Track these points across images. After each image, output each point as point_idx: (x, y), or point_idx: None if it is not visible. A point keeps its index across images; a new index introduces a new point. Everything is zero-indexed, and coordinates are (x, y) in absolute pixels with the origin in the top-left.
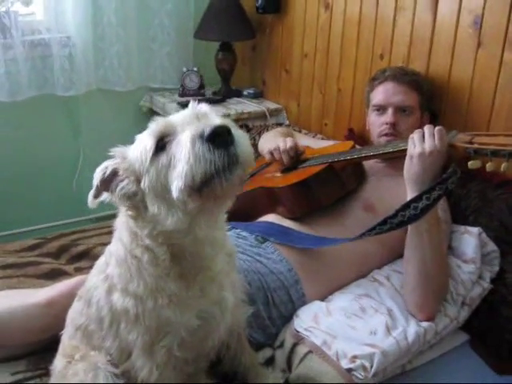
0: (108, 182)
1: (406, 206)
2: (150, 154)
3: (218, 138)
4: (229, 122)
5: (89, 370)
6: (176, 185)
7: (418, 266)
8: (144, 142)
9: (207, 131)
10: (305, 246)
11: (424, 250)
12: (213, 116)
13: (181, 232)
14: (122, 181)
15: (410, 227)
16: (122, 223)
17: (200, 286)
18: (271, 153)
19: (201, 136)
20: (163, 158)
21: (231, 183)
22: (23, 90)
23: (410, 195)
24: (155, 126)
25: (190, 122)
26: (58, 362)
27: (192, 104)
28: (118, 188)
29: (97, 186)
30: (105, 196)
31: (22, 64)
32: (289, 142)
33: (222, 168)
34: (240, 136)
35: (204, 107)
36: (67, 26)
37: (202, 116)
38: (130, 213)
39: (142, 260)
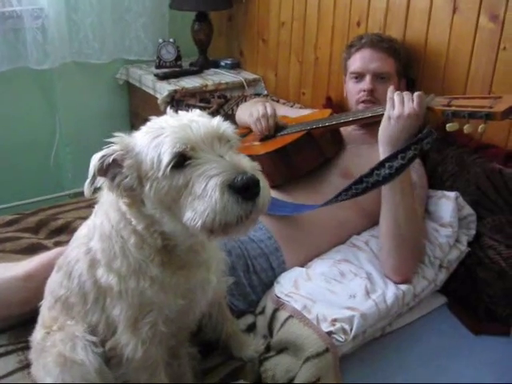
0: (105, 171)
1: (381, 164)
2: (167, 169)
3: (248, 191)
4: (255, 168)
5: (67, 340)
6: (192, 218)
7: (392, 228)
8: (161, 150)
9: (239, 182)
10: (284, 213)
11: (397, 212)
12: (239, 156)
13: (180, 236)
14: (122, 174)
15: (383, 190)
16: (111, 201)
17: (186, 272)
18: (258, 120)
19: (230, 186)
20: (180, 178)
21: (247, 228)
22: None
23: (382, 155)
24: (177, 140)
25: (211, 143)
26: (37, 334)
27: (215, 120)
28: (117, 179)
29: (93, 174)
30: (100, 181)
31: None
32: (269, 108)
33: (244, 217)
34: (264, 186)
35: (223, 125)
36: None
37: (222, 138)
38: (124, 200)
39: (128, 241)
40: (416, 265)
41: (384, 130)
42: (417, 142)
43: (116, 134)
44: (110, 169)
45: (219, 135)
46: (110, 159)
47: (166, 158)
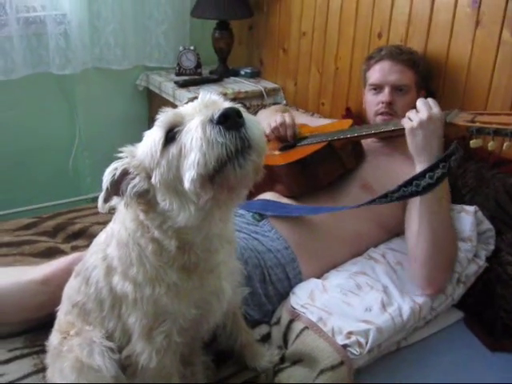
0: (118, 184)
1: (409, 182)
2: (160, 146)
3: (229, 120)
4: (239, 106)
5: (84, 346)
6: (188, 175)
7: (429, 238)
8: (153, 134)
9: (217, 114)
10: (300, 214)
11: (434, 222)
12: (222, 101)
13: (193, 228)
14: (132, 179)
15: (420, 201)
16: (128, 210)
17: (199, 277)
18: (276, 128)
19: (211, 120)
20: (173, 149)
21: (245, 170)
22: (18, 68)
23: (418, 168)
24: (164, 117)
25: (199, 110)
26: (54, 338)
27: (202, 94)
28: (130, 186)
29: (107, 188)
30: (115, 201)
31: (17, 42)
32: (288, 118)
33: (234, 152)
34: (251, 119)
35: (213, 96)
36: (62, 4)
37: (210, 104)
38: (141, 208)
39: (146, 249)
40: (450, 274)
41: (412, 143)
42: (444, 159)
43: (124, 148)
44: (122, 181)
45: (205, 103)
46: (120, 170)
47: (157, 138)
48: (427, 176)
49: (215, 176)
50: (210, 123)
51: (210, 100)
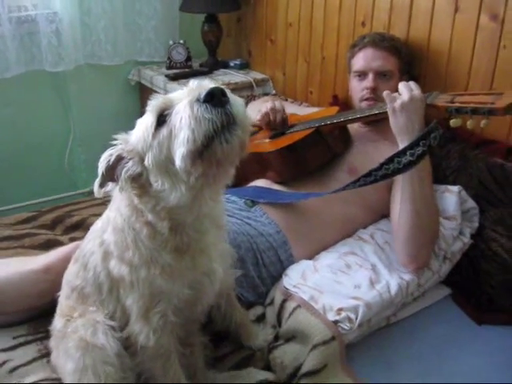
0: (113, 169)
1: (390, 159)
2: (152, 129)
3: (214, 98)
4: (224, 87)
5: (88, 326)
6: (179, 153)
7: (411, 217)
8: (145, 120)
9: (203, 93)
10: (291, 200)
11: (416, 201)
12: (208, 83)
13: (184, 207)
14: (126, 163)
15: (401, 180)
16: (122, 197)
17: (191, 257)
18: (267, 114)
19: (198, 100)
20: (164, 131)
21: (231, 144)
22: (12, 66)
23: (400, 147)
24: (154, 102)
25: (187, 94)
26: (57, 322)
27: (191, 82)
28: (124, 170)
29: (102, 174)
30: (111, 186)
31: (10, 41)
32: (278, 103)
33: (221, 127)
34: (235, 98)
35: (201, 81)
36: (53, 2)
37: (198, 87)
38: (134, 192)
39: (140, 233)
40: (432, 251)
41: (395, 123)
42: (424, 137)
43: (118, 135)
44: (117, 167)
45: (195, 87)
46: (115, 156)
47: (148, 122)
48: (408, 153)
49: (204, 152)
50: (197, 102)
51: (198, 84)
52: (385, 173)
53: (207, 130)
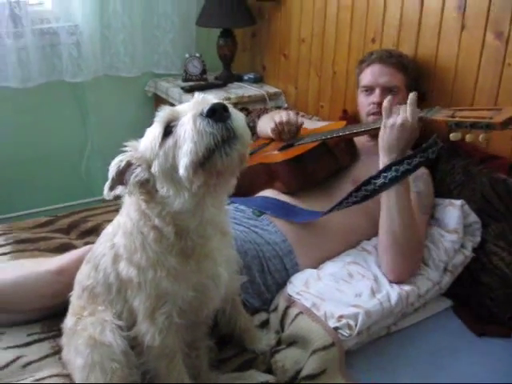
0: (123, 174)
1: (383, 171)
2: (159, 139)
3: (216, 114)
4: (226, 103)
5: (97, 324)
6: (183, 162)
7: (387, 228)
8: (153, 130)
9: (206, 108)
10: (298, 221)
11: (392, 213)
12: (212, 99)
13: (187, 213)
14: (135, 169)
15: (383, 196)
16: (132, 202)
17: (196, 261)
18: (281, 123)
19: (201, 114)
20: (170, 141)
21: (230, 157)
22: (34, 77)
23: (381, 161)
24: (162, 113)
25: (192, 107)
26: (69, 321)
27: (196, 94)
28: (132, 176)
29: (112, 177)
30: (120, 190)
31: (33, 52)
32: (292, 115)
33: (221, 141)
34: (236, 113)
35: (206, 96)
36: (75, 15)
37: (202, 101)
38: (142, 197)
39: (148, 237)
40: (410, 266)
41: (381, 137)
42: (423, 151)
43: (128, 142)
44: (126, 172)
45: (198, 101)
46: (125, 161)
47: (156, 132)
48: (405, 162)
49: (205, 163)
50: (200, 116)
51: (202, 98)
52: (373, 188)
53: (208, 143)
